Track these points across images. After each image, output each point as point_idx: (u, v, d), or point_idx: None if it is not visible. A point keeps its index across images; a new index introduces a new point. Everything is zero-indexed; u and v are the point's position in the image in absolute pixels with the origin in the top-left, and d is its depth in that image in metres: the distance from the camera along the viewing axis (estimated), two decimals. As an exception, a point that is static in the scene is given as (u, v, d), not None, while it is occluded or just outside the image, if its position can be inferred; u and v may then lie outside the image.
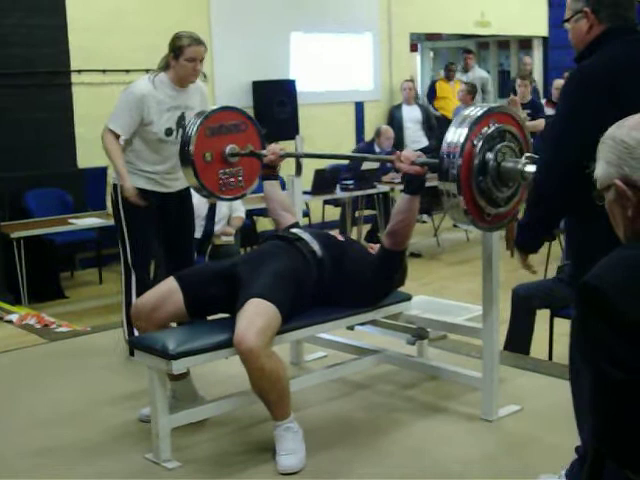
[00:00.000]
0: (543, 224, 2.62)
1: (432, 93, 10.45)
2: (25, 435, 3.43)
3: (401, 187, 8.39)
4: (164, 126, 4.05)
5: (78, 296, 6.78)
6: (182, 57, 3.97)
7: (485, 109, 2.96)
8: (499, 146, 2.92)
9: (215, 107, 4.05)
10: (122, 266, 4.19)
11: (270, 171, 3.79)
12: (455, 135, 2.88)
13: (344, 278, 3.36)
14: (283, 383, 3.02)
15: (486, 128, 2.91)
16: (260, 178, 3.91)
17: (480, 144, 2.87)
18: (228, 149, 3.90)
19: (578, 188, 2.35)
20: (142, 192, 4.11)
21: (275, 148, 3.78)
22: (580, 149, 2.30)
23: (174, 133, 4.08)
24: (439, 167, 2.89)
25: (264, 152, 3.81)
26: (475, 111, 2.94)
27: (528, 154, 2.94)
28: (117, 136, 4.05)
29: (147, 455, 3.14)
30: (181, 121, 4.08)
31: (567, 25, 2.63)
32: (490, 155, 2.90)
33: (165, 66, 4.05)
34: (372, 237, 7.72)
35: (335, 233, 3.68)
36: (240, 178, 3.98)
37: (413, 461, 3.10)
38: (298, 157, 4.01)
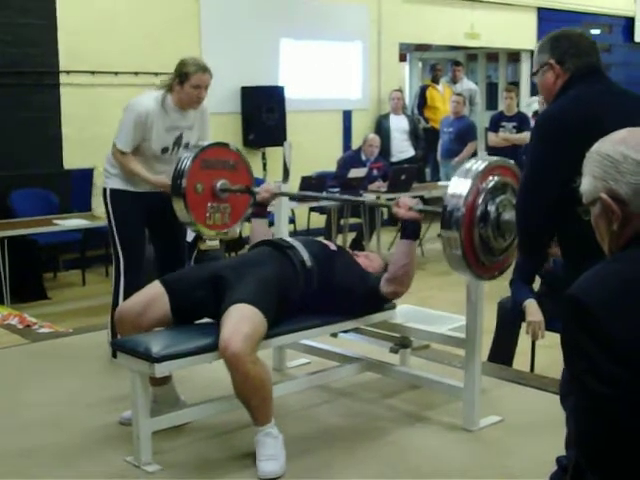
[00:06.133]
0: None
1: (422, 101, 10.45)
2: (4, 436, 3.40)
3: (387, 196, 8.40)
4: (161, 145, 4.10)
5: (61, 297, 6.75)
6: (187, 83, 3.98)
7: (487, 162, 3.06)
8: (500, 198, 3.01)
9: (212, 142, 4.09)
10: (113, 269, 4.22)
11: (261, 209, 3.82)
12: (458, 187, 2.97)
13: (331, 290, 3.37)
14: (266, 389, 3.02)
15: (490, 178, 3.02)
16: (250, 215, 3.92)
17: (483, 196, 2.98)
18: (219, 184, 3.95)
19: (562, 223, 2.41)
20: (133, 194, 4.14)
21: (269, 186, 3.83)
22: (554, 194, 2.40)
23: (169, 151, 4.13)
24: (442, 216, 2.96)
25: (257, 189, 3.83)
26: (477, 164, 3.03)
27: None
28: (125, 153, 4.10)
29: (127, 458, 3.13)
30: (178, 140, 4.13)
31: (535, 78, 2.68)
32: (491, 207, 3.00)
33: (169, 88, 4.06)
34: (356, 246, 7.71)
35: (328, 242, 3.67)
36: (226, 215, 4.02)
37: (393, 470, 3.10)
38: (290, 196, 4.12)
